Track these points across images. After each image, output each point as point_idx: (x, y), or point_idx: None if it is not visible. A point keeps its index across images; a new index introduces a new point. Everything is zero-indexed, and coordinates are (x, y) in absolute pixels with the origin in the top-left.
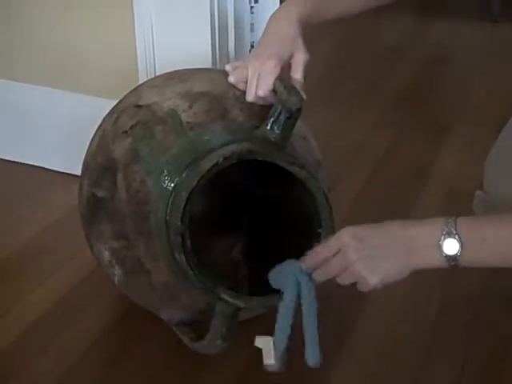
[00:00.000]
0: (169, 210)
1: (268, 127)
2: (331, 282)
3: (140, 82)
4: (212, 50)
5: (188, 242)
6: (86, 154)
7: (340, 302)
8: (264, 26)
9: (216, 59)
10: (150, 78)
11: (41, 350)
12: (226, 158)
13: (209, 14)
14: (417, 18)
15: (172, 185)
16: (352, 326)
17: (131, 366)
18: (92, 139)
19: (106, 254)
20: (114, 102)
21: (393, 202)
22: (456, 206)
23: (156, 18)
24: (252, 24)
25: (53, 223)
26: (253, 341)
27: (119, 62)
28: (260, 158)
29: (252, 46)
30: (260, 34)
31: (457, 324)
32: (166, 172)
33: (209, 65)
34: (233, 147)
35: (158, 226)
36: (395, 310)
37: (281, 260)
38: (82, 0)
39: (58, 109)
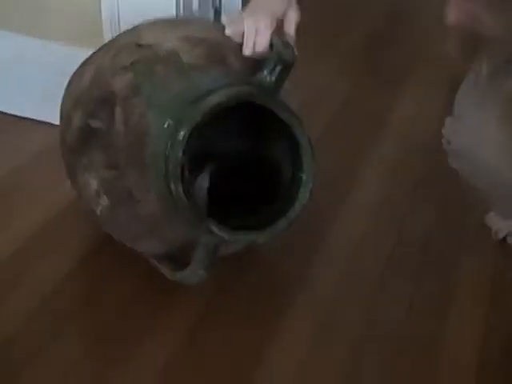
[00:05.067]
0: (169, 143)
1: (263, 76)
2: None
3: (104, 32)
4: (176, 2)
5: (186, 173)
6: (74, 89)
7: (299, 241)
8: None
9: (180, 12)
10: (113, 27)
11: (13, 285)
12: (229, 98)
13: None
14: None
15: (173, 120)
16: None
17: (102, 300)
18: (79, 75)
19: (94, 184)
20: (78, 50)
21: (348, 153)
22: (411, 153)
23: None
24: None
25: (21, 165)
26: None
27: (82, 11)
28: (258, 102)
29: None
30: None
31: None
32: (167, 108)
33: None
34: (235, 89)
35: (154, 157)
36: (352, 247)
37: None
38: None
39: (21, 55)
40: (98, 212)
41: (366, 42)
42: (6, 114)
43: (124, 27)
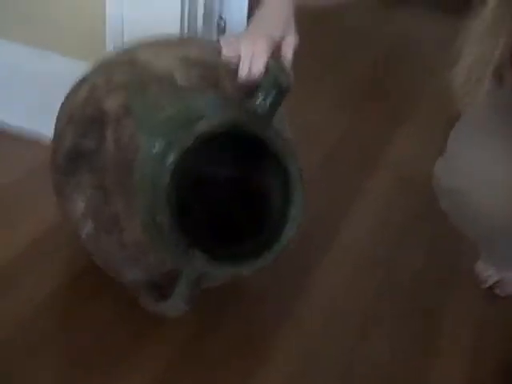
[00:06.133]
0: (158, 168)
1: (258, 102)
2: None
3: (107, 46)
4: (181, 19)
5: (173, 202)
6: (68, 107)
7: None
8: None
9: (184, 28)
10: (117, 41)
11: None
12: (221, 124)
13: None
14: (381, 3)
15: (163, 143)
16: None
17: (82, 323)
18: (74, 92)
19: (81, 206)
20: (80, 63)
21: (341, 190)
22: (404, 193)
23: None
24: None
25: (13, 181)
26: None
27: (87, 23)
28: (250, 131)
29: (220, 18)
30: (228, 6)
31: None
32: (158, 130)
33: (177, 33)
34: (227, 115)
35: (142, 182)
36: (338, 286)
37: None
38: None
39: (20, 66)
40: (83, 235)
41: (366, 76)
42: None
43: (128, 42)
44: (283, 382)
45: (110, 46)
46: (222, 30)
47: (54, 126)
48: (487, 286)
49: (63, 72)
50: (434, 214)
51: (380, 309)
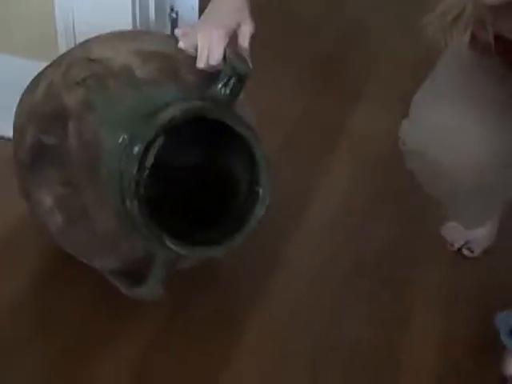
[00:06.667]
0: (124, 160)
1: (218, 89)
2: None
3: (59, 44)
4: (133, 13)
5: (142, 191)
6: (27, 104)
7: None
8: None
9: (136, 22)
10: (69, 40)
11: None
12: (183, 113)
13: None
14: None
15: (126, 136)
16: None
17: (59, 317)
18: (31, 90)
19: (48, 201)
20: (33, 63)
21: (303, 170)
22: (367, 169)
23: None
24: None
25: None
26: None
27: (37, 22)
28: (213, 117)
29: (172, 10)
30: None
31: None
32: (120, 123)
33: (129, 27)
34: (189, 103)
35: (109, 173)
36: (307, 265)
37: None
38: None
39: None
40: (53, 229)
41: (317, 58)
42: None
43: (80, 39)
44: (253, 374)
45: (63, 44)
46: (174, 22)
47: (10, 125)
48: (455, 248)
49: (16, 72)
50: (396, 186)
51: (351, 284)
